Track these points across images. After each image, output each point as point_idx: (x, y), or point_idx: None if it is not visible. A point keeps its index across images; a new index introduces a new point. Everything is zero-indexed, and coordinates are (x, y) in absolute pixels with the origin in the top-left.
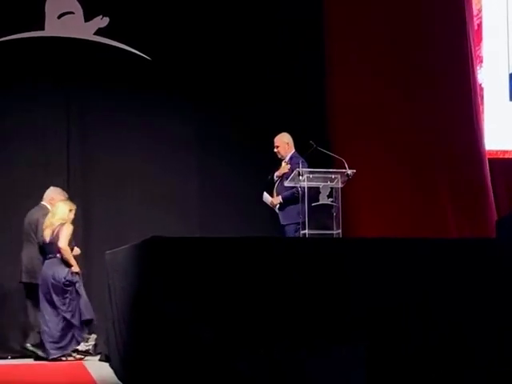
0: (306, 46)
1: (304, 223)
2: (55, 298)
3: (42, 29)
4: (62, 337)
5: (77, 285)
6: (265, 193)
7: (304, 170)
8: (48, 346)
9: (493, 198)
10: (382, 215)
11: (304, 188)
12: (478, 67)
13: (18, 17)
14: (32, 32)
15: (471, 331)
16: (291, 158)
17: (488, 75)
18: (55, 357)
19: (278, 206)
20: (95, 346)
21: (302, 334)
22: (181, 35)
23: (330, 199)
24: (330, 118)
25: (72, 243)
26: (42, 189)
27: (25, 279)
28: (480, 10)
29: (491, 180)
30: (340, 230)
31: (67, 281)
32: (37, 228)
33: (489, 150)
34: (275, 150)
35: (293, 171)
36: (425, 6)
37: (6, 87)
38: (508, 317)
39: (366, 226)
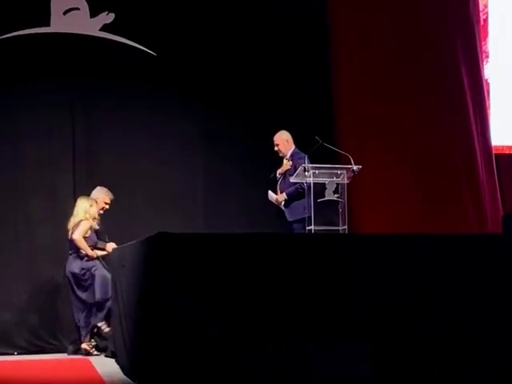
0: (310, 45)
1: (310, 219)
2: (76, 290)
3: (48, 25)
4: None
5: (92, 269)
6: (269, 191)
7: (310, 165)
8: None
9: (499, 194)
10: (388, 211)
11: (310, 184)
12: (484, 62)
13: (23, 13)
14: (38, 28)
15: (476, 327)
16: (292, 155)
17: (494, 70)
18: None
19: (283, 203)
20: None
21: (308, 330)
22: (186, 31)
23: (336, 195)
24: (336, 115)
25: (106, 239)
26: (48, 188)
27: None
28: (486, 5)
29: (497, 175)
30: (346, 226)
31: (82, 269)
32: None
33: (495, 146)
34: (275, 148)
35: (295, 167)
36: (430, 1)
37: (12, 83)
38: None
39: (372, 222)
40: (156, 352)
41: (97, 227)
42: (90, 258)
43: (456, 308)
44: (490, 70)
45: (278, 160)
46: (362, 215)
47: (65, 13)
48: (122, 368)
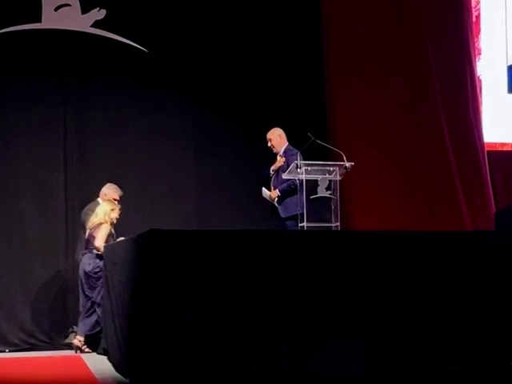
0: (302, 43)
1: (302, 216)
2: (86, 289)
3: (39, 21)
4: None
5: None
6: (263, 188)
7: (302, 162)
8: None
9: (491, 191)
10: (380, 208)
11: (302, 180)
12: (476, 59)
13: (14, 9)
14: (29, 24)
15: (471, 321)
16: (285, 151)
17: (486, 67)
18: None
19: (276, 199)
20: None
21: (303, 327)
22: (178, 27)
23: (329, 192)
24: (329, 112)
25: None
26: (40, 185)
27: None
28: (478, 2)
29: (489, 172)
30: (338, 223)
31: (97, 267)
32: (84, 223)
33: (487, 143)
34: (268, 144)
35: (288, 164)
36: None
37: (3, 80)
38: (507, 304)
39: (364, 219)
40: (148, 349)
41: (113, 231)
42: None
43: (451, 303)
44: (483, 67)
45: (271, 157)
46: (355, 212)
47: (56, 9)
48: (114, 365)
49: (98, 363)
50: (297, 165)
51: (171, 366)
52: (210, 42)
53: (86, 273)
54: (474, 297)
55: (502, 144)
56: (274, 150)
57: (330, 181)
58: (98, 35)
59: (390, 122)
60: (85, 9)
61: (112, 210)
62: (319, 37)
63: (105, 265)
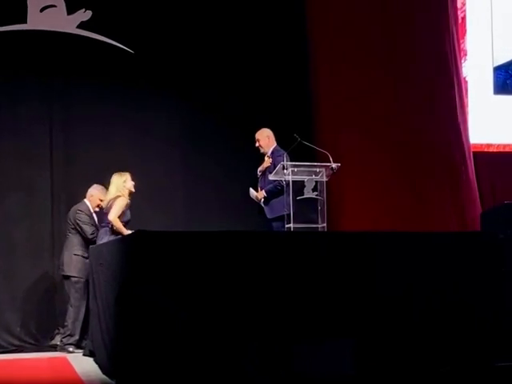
0: (289, 40)
1: (289, 217)
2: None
3: (25, 22)
4: None
5: None
6: (251, 188)
7: (288, 163)
8: None
9: (477, 191)
10: (367, 208)
11: (288, 181)
12: (462, 61)
13: None
14: (14, 25)
15: (455, 318)
16: (273, 152)
17: (472, 68)
18: None
19: (262, 200)
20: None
21: (293, 327)
22: (163, 28)
23: (315, 193)
24: (315, 113)
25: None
26: (25, 182)
27: (61, 272)
28: (464, 3)
29: (475, 173)
30: (325, 224)
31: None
32: (74, 221)
33: (473, 144)
34: (256, 144)
35: (275, 165)
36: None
37: None
38: (493, 303)
39: (351, 220)
40: (134, 350)
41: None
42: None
43: (437, 302)
44: (468, 68)
45: (259, 156)
46: (341, 213)
47: (41, 10)
48: (100, 367)
49: (84, 365)
50: (283, 166)
51: (157, 367)
52: (195, 41)
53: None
54: (464, 297)
55: (488, 145)
56: (262, 151)
57: (316, 182)
58: (84, 36)
59: (376, 123)
60: (70, 10)
61: (124, 181)
62: (304, 36)
63: (91, 266)
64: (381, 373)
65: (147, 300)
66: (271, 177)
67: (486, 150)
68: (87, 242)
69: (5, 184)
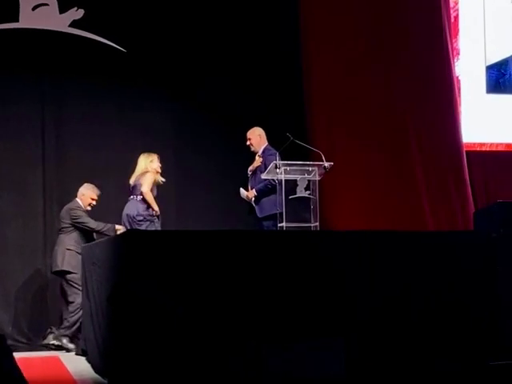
0: (283, 41)
1: (281, 216)
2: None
3: (17, 20)
4: None
5: (148, 221)
6: (241, 188)
7: (281, 162)
8: None
9: (470, 190)
10: (359, 208)
11: (281, 180)
12: (454, 59)
13: None
14: (6, 24)
15: (447, 317)
16: (264, 151)
17: (465, 67)
18: None
19: (253, 199)
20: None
21: (282, 328)
22: (156, 27)
23: (308, 192)
24: (308, 112)
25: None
26: (17, 181)
27: (54, 268)
28: (456, 2)
29: (468, 172)
30: (317, 223)
31: (139, 215)
32: (71, 220)
33: (466, 143)
34: (247, 143)
35: (266, 164)
36: None
37: None
38: (487, 302)
39: (344, 219)
40: (127, 349)
41: (161, 182)
42: (154, 213)
43: (431, 300)
44: (461, 67)
45: (251, 155)
46: (334, 212)
47: (33, 8)
48: (92, 366)
49: (77, 364)
50: (276, 165)
51: (149, 366)
52: (187, 40)
53: (128, 216)
54: (459, 295)
55: (481, 144)
56: (253, 149)
57: (308, 181)
58: (76, 35)
59: (369, 122)
60: (62, 8)
61: (151, 161)
62: (298, 35)
63: (83, 265)
64: (377, 373)
65: (139, 299)
66: (263, 176)
67: (478, 149)
68: (87, 236)
69: None
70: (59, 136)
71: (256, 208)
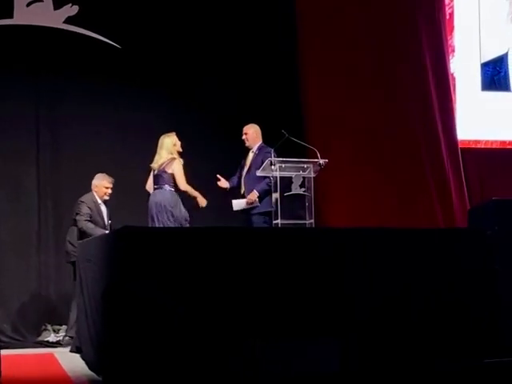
0: (279, 39)
1: (276, 213)
2: (161, 220)
3: (11, 17)
4: None
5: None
6: (233, 201)
7: (276, 159)
8: None
9: (465, 188)
10: (354, 205)
11: (276, 177)
12: (449, 57)
13: None
14: (0, 20)
15: (442, 314)
16: (260, 149)
17: (460, 65)
18: None
19: (257, 200)
20: (66, 336)
21: (277, 326)
22: (151, 23)
23: (303, 189)
24: (303, 109)
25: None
26: (11, 179)
27: (70, 259)
28: (451, 0)
29: (463, 170)
30: (312, 220)
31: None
32: (78, 210)
33: (461, 140)
34: (243, 137)
35: (262, 161)
36: None
37: None
38: (479, 300)
39: (339, 216)
40: (121, 346)
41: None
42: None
43: (427, 297)
44: (456, 65)
45: (246, 154)
46: (329, 209)
47: (28, 5)
48: (87, 363)
49: (71, 361)
50: (271, 162)
51: (145, 362)
52: (183, 38)
53: (158, 204)
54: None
55: (476, 141)
56: (247, 144)
57: (304, 178)
58: (71, 31)
59: (364, 119)
60: (57, 5)
61: (174, 144)
62: (294, 33)
63: (78, 262)
64: (377, 372)
65: (134, 296)
66: (259, 173)
67: (473, 146)
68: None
69: None
70: (54, 133)
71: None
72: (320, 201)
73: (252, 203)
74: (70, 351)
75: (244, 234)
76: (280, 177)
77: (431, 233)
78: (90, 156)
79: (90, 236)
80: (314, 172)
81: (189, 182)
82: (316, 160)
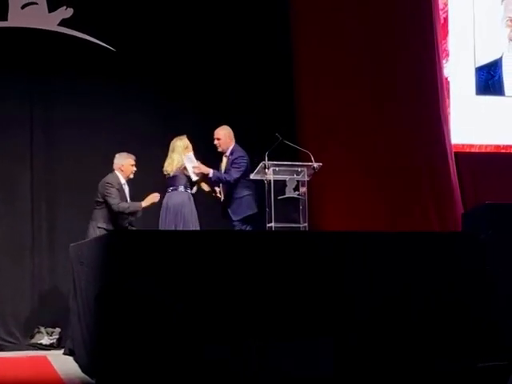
0: (273, 41)
1: (270, 216)
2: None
3: (5, 19)
4: None
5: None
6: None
7: (270, 162)
8: None
9: (459, 192)
10: (348, 209)
11: (270, 180)
12: (444, 61)
13: None
14: None
15: (442, 315)
16: (232, 152)
17: (454, 69)
18: None
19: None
20: (59, 339)
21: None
22: (146, 26)
23: (297, 192)
24: (296, 114)
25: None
26: (5, 181)
27: None
28: (446, 4)
29: (457, 174)
30: (306, 224)
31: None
32: (102, 194)
33: (455, 144)
34: (215, 142)
35: (232, 162)
36: (390, 1)
37: None
38: (473, 304)
39: (333, 220)
40: (114, 349)
41: None
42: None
43: (421, 301)
44: (450, 69)
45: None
46: (323, 213)
47: (23, 7)
48: (80, 366)
49: (64, 364)
50: (265, 165)
51: (138, 364)
52: (178, 40)
53: (176, 205)
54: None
55: (470, 145)
56: (220, 149)
57: (297, 181)
58: (65, 34)
59: (358, 123)
60: (52, 7)
61: (186, 148)
62: (288, 35)
63: (71, 265)
64: (376, 372)
65: (127, 298)
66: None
67: (467, 150)
68: (114, 215)
69: None
70: (48, 135)
71: (229, 211)
72: (314, 204)
73: (199, 173)
74: (64, 354)
75: (244, 237)
76: (274, 180)
77: (429, 236)
78: (85, 158)
79: (129, 215)
80: (308, 175)
81: None
82: (310, 163)
